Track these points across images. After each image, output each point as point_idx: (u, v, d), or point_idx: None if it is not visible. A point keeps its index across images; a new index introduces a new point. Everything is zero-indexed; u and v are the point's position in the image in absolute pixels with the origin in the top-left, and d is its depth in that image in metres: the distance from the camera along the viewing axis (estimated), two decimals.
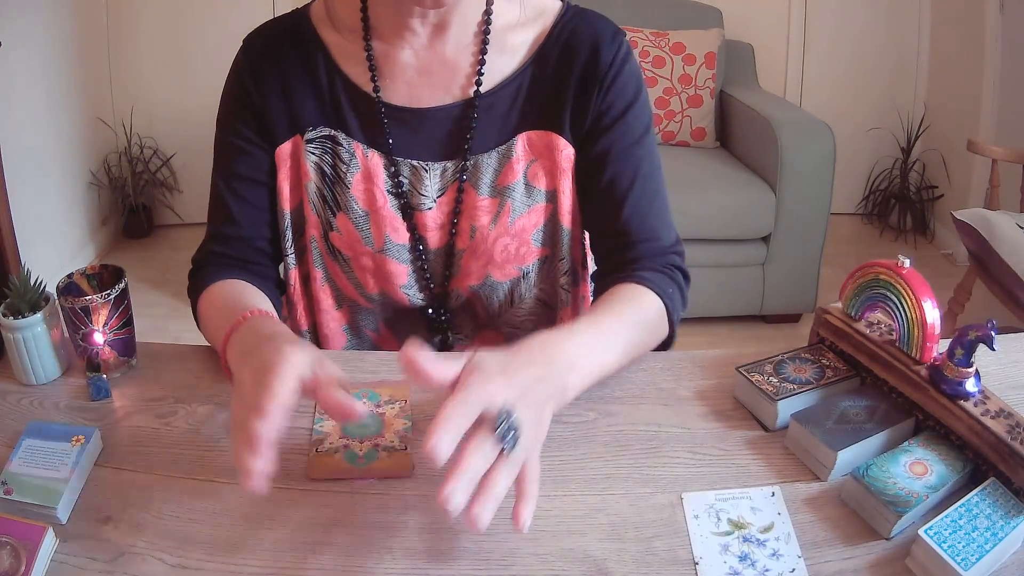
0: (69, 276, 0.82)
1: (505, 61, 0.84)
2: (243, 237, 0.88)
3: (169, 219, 3.30)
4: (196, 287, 0.87)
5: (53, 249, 2.71)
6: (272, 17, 0.91)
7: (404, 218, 0.87)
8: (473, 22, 0.83)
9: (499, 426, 0.55)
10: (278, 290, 0.92)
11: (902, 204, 3.28)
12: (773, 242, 2.48)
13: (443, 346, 0.96)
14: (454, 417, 0.54)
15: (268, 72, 0.84)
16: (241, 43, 0.87)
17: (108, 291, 0.79)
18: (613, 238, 0.87)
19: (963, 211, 2.07)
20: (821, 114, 2.57)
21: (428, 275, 0.91)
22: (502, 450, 0.55)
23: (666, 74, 2.79)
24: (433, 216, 0.87)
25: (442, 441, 0.52)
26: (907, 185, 3.29)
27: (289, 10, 0.89)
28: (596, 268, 0.92)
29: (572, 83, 0.83)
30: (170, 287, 2.82)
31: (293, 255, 0.91)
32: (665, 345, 0.86)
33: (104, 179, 3.10)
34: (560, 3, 0.87)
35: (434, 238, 0.88)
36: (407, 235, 0.88)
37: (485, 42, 0.83)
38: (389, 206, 0.86)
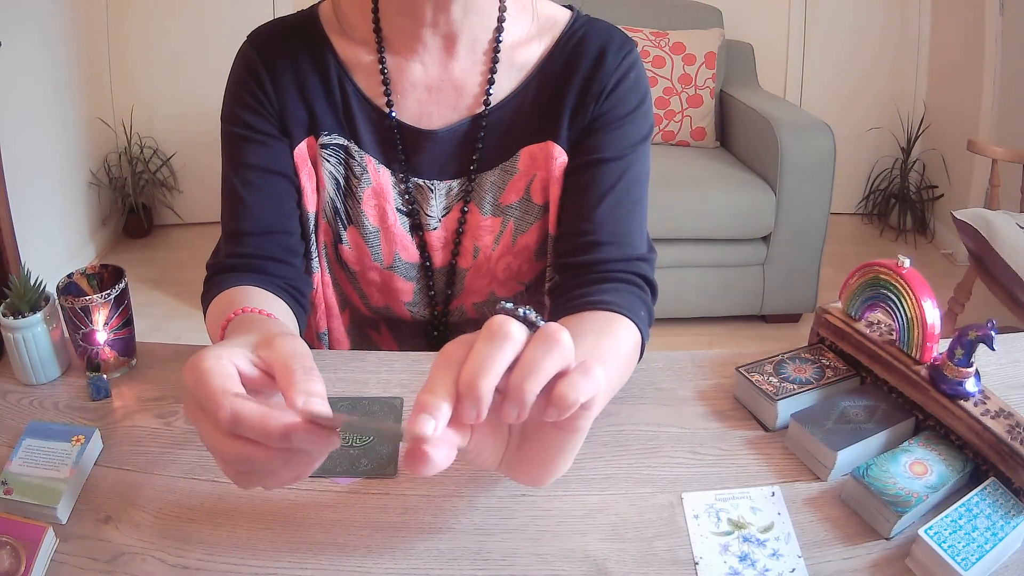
0: (69, 276, 0.82)
1: (512, 76, 0.82)
2: (260, 232, 0.81)
3: (169, 219, 3.29)
4: (207, 295, 0.79)
5: (53, 249, 2.71)
6: (273, 17, 0.88)
7: (413, 237, 0.86)
8: (484, 39, 0.81)
9: (517, 311, 0.44)
10: (300, 292, 0.83)
11: (902, 204, 3.28)
12: (773, 242, 2.48)
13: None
14: (448, 362, 0.42)
15: (283, 67, 0.80)
16: (246, 38, 0.83)
17: (108, 291, 0.79)
18: (583, 235, 0.81)
19: (963, 211, 2.07)
20: (821, 114, 2.57)
21: (433, 293, 0.90)
22: (531, 324, 0.43)
23: (666, 74, 2.79)
24: (437, 235, 0.86)
25: (434, 396, 0.40)
26: (907, 185, 3.29)
27: (290, 10, 0.87)
28: (555, 273, 0.85)
29: (574, 88, 0.81)
30: (170, 287, 2.81)
31: (316, 259, 0.87)
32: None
33: (104, 179, 3.10)
34: (570, 12, 0.85)
35: (438, 257, 0.88)
36: (416, 254, 0.87)
37: (495, 60, 0.81)
38: (399, 224, 0.85)
